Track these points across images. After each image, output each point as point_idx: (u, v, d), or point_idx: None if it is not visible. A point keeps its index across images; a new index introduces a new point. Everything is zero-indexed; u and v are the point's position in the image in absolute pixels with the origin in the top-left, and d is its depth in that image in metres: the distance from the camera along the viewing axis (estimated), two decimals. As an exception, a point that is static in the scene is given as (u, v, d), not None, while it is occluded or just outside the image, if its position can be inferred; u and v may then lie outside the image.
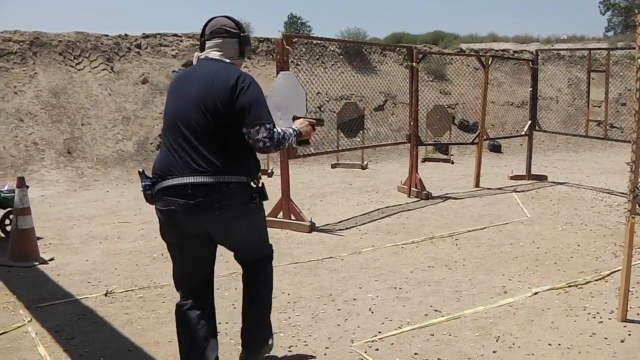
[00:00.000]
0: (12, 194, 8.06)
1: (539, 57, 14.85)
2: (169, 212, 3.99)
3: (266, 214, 8.68)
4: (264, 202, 4.22)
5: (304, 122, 4.46)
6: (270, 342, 4.55)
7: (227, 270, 7.01)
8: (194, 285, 4.25)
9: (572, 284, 6.49)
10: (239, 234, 4.12)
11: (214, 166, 3.86)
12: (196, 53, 4.32)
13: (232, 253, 4.44)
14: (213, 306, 4.41)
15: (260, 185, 4.13)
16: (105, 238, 8.45)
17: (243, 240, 4.22)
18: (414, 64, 11.67)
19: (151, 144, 15.61)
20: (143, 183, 4.10)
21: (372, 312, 5.75)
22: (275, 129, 4.00)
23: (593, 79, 13.69)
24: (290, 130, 4.25)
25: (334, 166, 15.81)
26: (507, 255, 7.68)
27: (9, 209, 8.44)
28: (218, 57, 4.17)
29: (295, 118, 4.57)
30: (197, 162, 3.86)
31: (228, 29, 4.22)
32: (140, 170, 4.21)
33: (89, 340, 5.15)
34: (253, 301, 4.44)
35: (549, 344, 5.02)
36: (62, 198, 11.64)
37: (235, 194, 3.93)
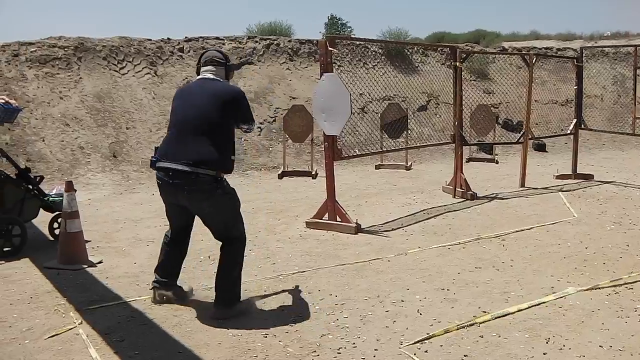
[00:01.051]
0: (60, 198, 8.17)
1: (583, 55, 14.69)
2: (159, 184, 5.66)
3: (312, 216, 8.70)
4: (235, 192, 5.78)
5: None
6: (236, 306, 5.79)
7: (274, 272, 7.07)
8: (174, 229, 6.06)
9: (622, 285, 6.44)
10: (205, 211, 5.65)
11: (193, 159, 5.38)
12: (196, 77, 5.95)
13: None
14: (184, 248, 6.21)
15: (223, 178, 5.61)
16: (152, 241, 8.51)
17: (210, 218, 5.71)
18: (458, 63, 11.63)
19: (195, 146, 15.70)
20: (151, 157, 5.73)
21: (421, 314, 5.75)
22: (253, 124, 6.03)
23: (639, 75, 13.52)
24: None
25: (378, 167, 15.78)
26: (555, 256, 7.63)
27: (57, 212, 8.56)
28: (214, 77, 5.80)
29: None
30: (183, 154, 5.42)
31: (217, 59, 5.87)
32: (156, 147, 5.81)
33: (139, 342, 5.20)
34: (220, 268, 5.81)
35: (600, 346, 4.98)
36: (109, 201, 11.76)
37: (202, 183, 5.41)
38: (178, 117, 5.63)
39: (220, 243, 5.86)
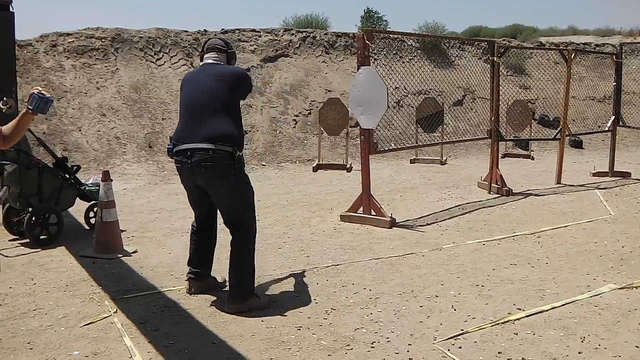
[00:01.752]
0: (97, 187, 8.25)
1: (623, 51, 14.52)
2: (178, 167, 5.78)
3: (346, 209, 8.71)
4: (249, 181, 5.91)
5: None
6: (249, 301, 5.76)
7: (308, 265, 7.08)
8: (198, 216, 6.17)
9: (659, 284, 6.37)
10: (221, 191, 5.66)
11: (210, 136, 5.48)
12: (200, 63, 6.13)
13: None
14: (212, 235, 6.27)
15: (240, 154, 5.66)
16: (187, 231, 8.45)
17: (223, 199, 5.72)
18: (496, 58, 11.56)
19: (231, 138, 15.76)
20: (167, 146, 5.94)
21: (455, 310, 5.72)
22: None
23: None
24: None
25: (412, 161, 15.74)
26: (591, 254, 7.56)
27: (94, 201, 8.63)
28: (217, 62, 5.96)
29: None
30: (198, 133, 5.53)
31: (219, 47, 6.04)
32: (170, 136, 5.97)
33: (174, 332, 5.24)
34: (230, 260, 5.84)
35: (636, 346, 4.93)
36: (144, 191, 11.84)
37: (219, 158, 5.48)
38: (187, 102, 5.77)
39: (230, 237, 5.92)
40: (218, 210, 5.94)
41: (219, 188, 5.64)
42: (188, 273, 6.21)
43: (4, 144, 4.06)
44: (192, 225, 6.24)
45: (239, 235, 5.83)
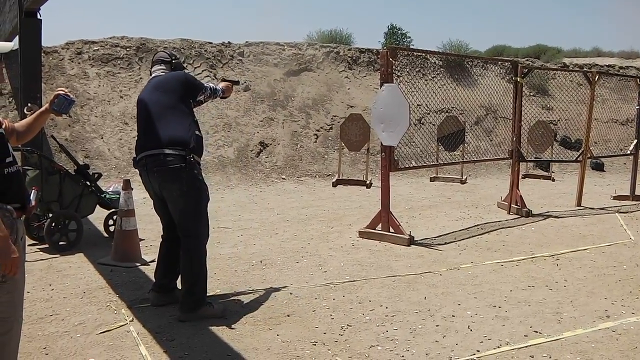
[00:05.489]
0: (117, 196, 8.31)
1: (647, 75, 14.45)
2: (140, 176, 5.95)
3: (365, 226, 8.71)
4: (204, 188, 5.90)
5: (226, 84, 6.60)
6: (199, 310, 5.77)
7: (325, 280, 7.08)
8: (164, 226, 6.18)
9: (678, 311, 6.31)
10: (173, 195, 5.71)
11: (159, 142, 5.62)
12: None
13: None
14: (177, 246, 5.98)
15: (191, 157, 5.70)
16: (205, 242, 8.56)
17: (175, 204, 5.76)
18: (519, 78, 11.54)
19: (251, 150, 15.83)
20: (132, 159, 6.16)
21: (471, 330, 5.69)
22: (209, 85, 6.30)
23: None
24: (219, 87, 6.45)
25: (432, 179, 15.73)
26: (610, 278, 7.50)
27: (113, 209, 8.68)
28: (161, 74, 6.06)
29: (224, 80, 6.78)
30: (150, 141, 5.70)
31: (162, 59, 6.16)
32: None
33: (189, 343, 5.24)
34: (181, 269, 5.89)
35: (654, 373, 4.90)
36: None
37: (170, 162, 5.58)
38: (139, 118, 5.98)
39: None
40: None
41: (171, 192, 5.71)
42: (152, 285, 6.30)
43: (16, 140, 4.07)
44: (162, 236, 6.27)
45: (188, 243, 5.83)
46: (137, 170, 5.96)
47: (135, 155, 5.93)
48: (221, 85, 6.52)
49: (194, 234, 5.83)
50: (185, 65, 17.23)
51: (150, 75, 6.18)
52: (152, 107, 5.77)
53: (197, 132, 5.84)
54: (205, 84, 6.24)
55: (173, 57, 6.21)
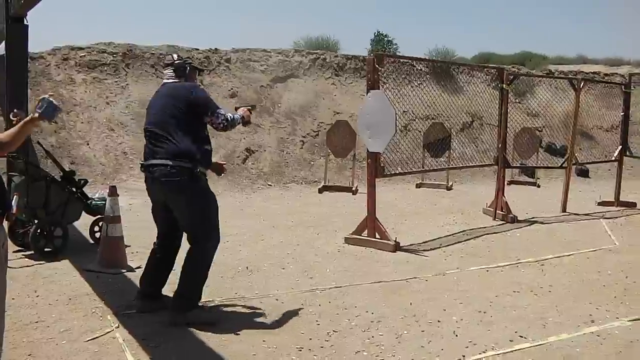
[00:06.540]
0: (103, 202, 8.28)
1: (632, 81, 14.52)
2: (145, 181, 6.03)
3: (351, 232, 8.71)
4: (212, 197, 5.94)
5: (244, 109, 6.37)
6: (189, 313, 5.78)
7: (310, 287, 7.09)
8: (159, 232, 6.21)
9: (662, 316, 6.35)
10: (179, 205, 5.80)
11: (165, 154, 5.67)
12: None
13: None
14: (169, 257, 6.18)
15: (199, 170, 5.76)
16: (191, 248, 8.53)
17: (184, 212, 5.83)
18: (505, 85, 11.59)
19: (238, 157, 15.83)
20: (139, 163, 6.23)
21: (457, 335, 5.71)
22: (227, 113, 5.98)
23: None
24: (237, 115, 6.16)
25: (418, 186, 15.76)
26: (594, 284, 7.54)
27: (99, 216, 8.64)
28: (172, 79, 6.03)
29: (238, 108, 6.48)
30: (157, 151, 5.73)
31: (168, 62, 6.12)
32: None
33: (175, 349, 5.24)
34: (182, 272, 5.91)
35: (637, 377, 4.93)
36: (149, 208, 11.83)
37: (177, 174, 5.63)
38: (147, 123, 5.98)
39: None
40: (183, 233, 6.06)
41: (177, 202, 5.80)
42: (138, 292, 6.29)
43: (0, 151, 4.05)
44: (154, 242, 6.28)
45: (193, 249, 5.86)
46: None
47: (143, 159, 5.96)
48: (239, 112, 6.30)
49: (201, 242, 5.87)
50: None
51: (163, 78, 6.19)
52: (165, 117, 5.78)
53: (206, 146, 5.90)
54: (221, 111, 5.95)
55: (178, 59, 6.09)
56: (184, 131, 5.71)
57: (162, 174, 5.68)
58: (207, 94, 6.11)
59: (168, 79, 6.07)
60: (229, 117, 5.97)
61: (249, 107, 6.52)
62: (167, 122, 5.74)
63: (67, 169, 9.14)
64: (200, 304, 6.02)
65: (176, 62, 6.06)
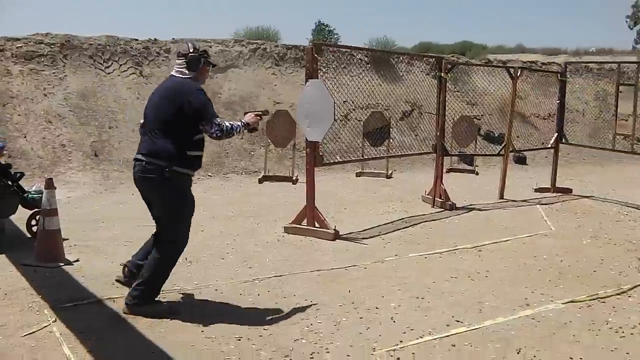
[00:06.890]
0: (40, 195, 8.15)
1: (567, 70, 14.76)
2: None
3: (291, 221, 8.73)
4: (188, 199, 5.96)
5: (251, 114, 6.26)
6: (145, 307, 5.81)
7: (250, 277, 7.09)
8: (154, 219, 6.07)
9: (594, 298, 6.49)
10: (155, 200, 5.92)
11: (147, 151, 5.76)
12: None
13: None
14: None
15: (173, 169, 5.69)
16: (130, 241, 8.47)
17: (159, 208, 5.93)
18: (443, 74, 11.69)
19: (177, 148, 15.69)
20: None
21: (394, 322, 5.78)
22: (223, 123, 5.87)
23: (621, 92, 13.61)
24: (238, 123, 6.08)
25: (358, 175, 15.80)
26: (530, 268, 7.68)
27: (36, 209, 8.52)
28: (179, 71, 5.92)
29: (247, 113, 6.34)
30: (140, 147, 5.87)
31: (183, 52, 5.94)
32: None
33: (113, 342, 5.22)
34: (146, 265, 5.92)
35: (570, 358, 5.03)
36: (88, 200, 11.73)
37: (151, 171, 5.69)
38: (144, 115, 6.05)
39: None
40: None
41: (153, 197, 5.94)
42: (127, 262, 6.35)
43: None
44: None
45: (164, 246, 5.89)
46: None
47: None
48: (246, 118, 6.18)
49: (168, 240, 5.90)
50: (111, 61, 17.03)
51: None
52: (155, 113, 5.85)
53: (191, 150, 5.85)
54: (216, 120, 5.82)
55: (191, 51, 5.89)
56: (167, 132, 5.71)
57: (139, 169, 5.83)
58: (206, 100, 5.84)
59: (177, 71, 5.93)
60: (225, 126, 5.85)
61: (259, 113, 6.37)
62: (155, 120, 5.80)
63: (2, 162, 9.00)
64: (156, 299, 6.00)
65: (191, 54, 5.88)
